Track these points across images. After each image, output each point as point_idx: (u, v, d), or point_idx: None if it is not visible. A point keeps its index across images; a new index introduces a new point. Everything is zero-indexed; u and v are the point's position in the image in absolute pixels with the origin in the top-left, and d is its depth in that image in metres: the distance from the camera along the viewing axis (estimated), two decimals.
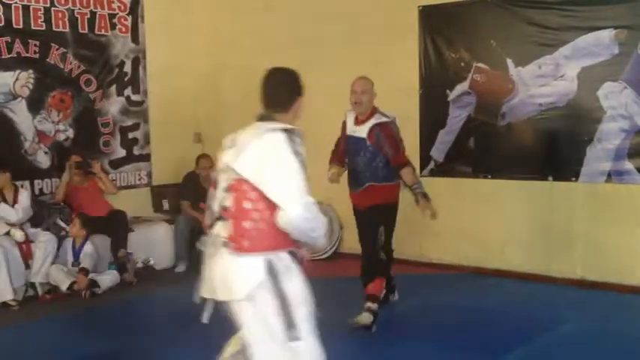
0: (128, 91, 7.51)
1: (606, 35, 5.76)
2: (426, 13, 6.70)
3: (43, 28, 6.73)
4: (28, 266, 6.07)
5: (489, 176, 6.51)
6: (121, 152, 7.50)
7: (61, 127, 6.94)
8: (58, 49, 6.86)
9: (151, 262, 6.81)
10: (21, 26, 6.56)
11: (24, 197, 6.24)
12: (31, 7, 6.62)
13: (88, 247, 6.25)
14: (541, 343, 4.62)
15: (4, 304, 5.79)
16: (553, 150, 6.12)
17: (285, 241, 2.74)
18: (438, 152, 6.76)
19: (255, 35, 7.85)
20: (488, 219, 6.51)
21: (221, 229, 2.78)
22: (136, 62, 7.55)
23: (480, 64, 6.46)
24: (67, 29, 6.92)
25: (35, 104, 6.72)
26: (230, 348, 3.04)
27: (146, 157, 7.71)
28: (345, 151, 5.19)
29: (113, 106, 7.40)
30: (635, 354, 4.48)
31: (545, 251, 6.21)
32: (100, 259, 6.37)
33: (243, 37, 7.98)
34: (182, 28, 7.85)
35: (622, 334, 4.80)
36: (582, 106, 5.94)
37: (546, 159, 6.17)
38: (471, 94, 6.54)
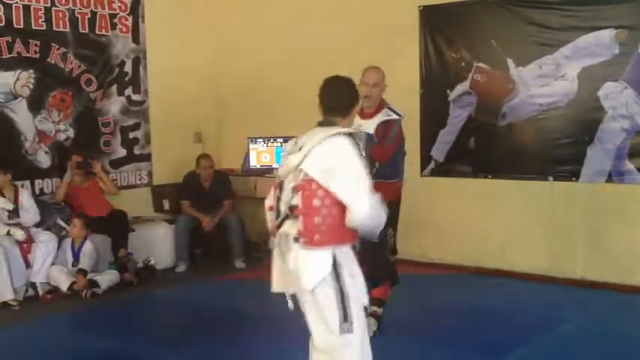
0: (129, 91, 7.52)
1: (607, 35, 5.75)
2: (426, 13, 6.70)
3: (44, 27, 6.73)
4: (28, 266, 6.07)
5: (490, 176, 6.51)
6: (122, 152, 7.50)
7: (61, 126, 6.94)
8: (58, 49, 6.86)
9: (152, 262, 6.81)
10: (21, 26, 6.57)
11: (25, 197, 6.26)
12: (32, 6, 6.62)
13: (86, 247, 6.24)
14: (541, 343, 4.61)
15: (5, 303, 5.79)
16: (553, 150, 6.12)
17: (349, 235, 2.97)
18: (438, 152, 6.76)
19: (255, 35, 7.85)
20: (489, 219, 6.50)
21: (290, 227, 2.96)
22: (137, 62, 7.56)
23: (481, 64, 6.45)
24: (68, 29, 6.92)
25: (36, 104, 6.72)
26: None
27: (147, 157, 7.71)
28: None
29: (114, 105, 7.40)
30: (635, 354, 4.48)
31: (546, 251, 6.21)
32: (100, 258, 6.37)
33: (244, 37, 7.99)
34: (183, 28, 7.85)
35: (622, 334, 4.79)
36: (583, 106, 5.93)
37: (547, 159, 6.16)
38: (472, 94, 6.54)
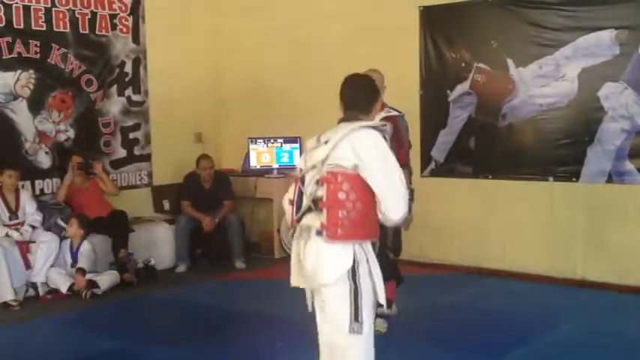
0: (129, 92, 7.52)
1: (607, 36, 5.76)
2: (426, 13, 6.70)
3: (44, 28, 6.73)
4: (28, 266, 6.07)
5: (490, 176, 6.51)
6: (122, 152, 7.50)
7: (61, 127, 6.94)
8: (58, 50, 6.86)
9: (152, 263, 6.81)
10: (22, 26, 6.56)
11: (27, 197, 6.27)
12: (32, 7, 6.62)
13: (84, 247, 6.24)
14: (541, 343, 4.62)
15: (5, 304, 5.79)
16: (554, 150, 6.12)
17: (372, 231, 2.95)
18: (438, 152, 6.76)
19: (255, 35, 7.85)
20: (489, 219, 6.51)
21: (312, 220, 2.93)
22: (137, 62, 7.56)
23: (481, 65, 6.46)
24: (68, 29, 6.92)
25: (36, 104, 6.72)
26: None
27: (147, 158, 7.71)
28: None
29: (114, 106, 7.40)
30: (635, 354, 4.48)
31: (546, 251, 6.21)
32: (98, 258, 6.37)
33: (244, 38, 7.99)
34: (183, 29, 7.86)
35: (622, 334, 4.79)
36: (583, 106, 5.94)
37: (547, 159, 6.16)
38: (472, 94, 6.54)
